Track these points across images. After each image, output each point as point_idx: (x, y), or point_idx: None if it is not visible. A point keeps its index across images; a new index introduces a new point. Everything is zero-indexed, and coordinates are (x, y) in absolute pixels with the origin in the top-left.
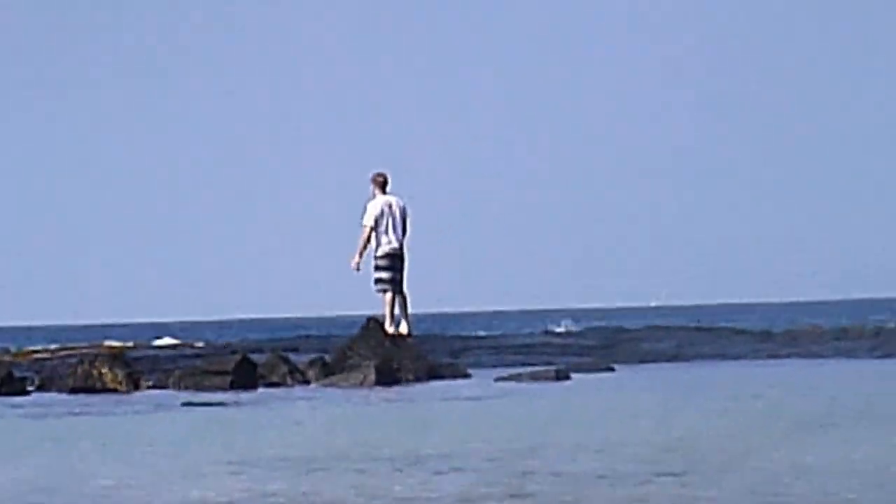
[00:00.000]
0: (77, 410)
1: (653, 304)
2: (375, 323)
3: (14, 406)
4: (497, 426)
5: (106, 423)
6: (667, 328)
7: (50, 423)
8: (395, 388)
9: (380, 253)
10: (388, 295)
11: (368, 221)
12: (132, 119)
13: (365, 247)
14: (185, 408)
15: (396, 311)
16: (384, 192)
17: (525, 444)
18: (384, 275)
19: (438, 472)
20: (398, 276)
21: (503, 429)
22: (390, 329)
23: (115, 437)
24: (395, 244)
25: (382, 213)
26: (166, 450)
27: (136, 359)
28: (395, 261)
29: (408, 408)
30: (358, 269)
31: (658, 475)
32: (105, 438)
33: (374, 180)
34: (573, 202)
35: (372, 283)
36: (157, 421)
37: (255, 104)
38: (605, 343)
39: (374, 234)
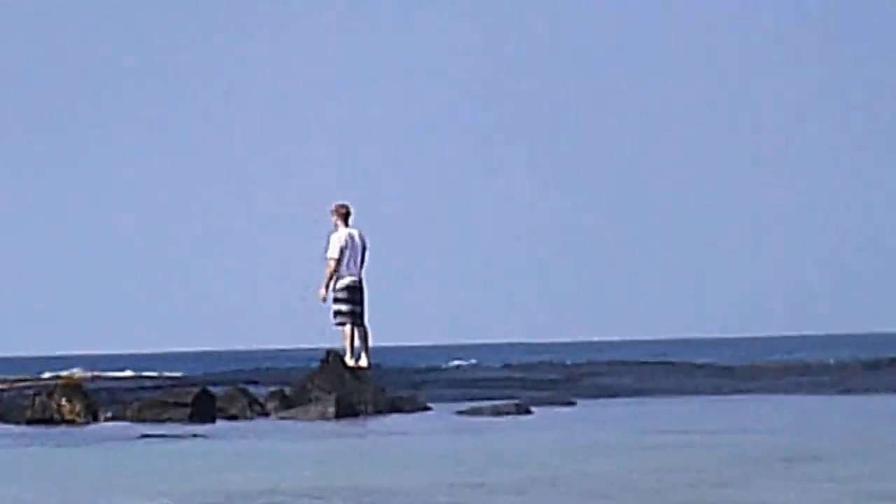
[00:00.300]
0: (30, 442)
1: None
2: (335, 356)
3: None
4: (455, 460)
5: (58, 455)
6: (628, 363)
7: (4, 454)
8: (355, 422)
9: (340, 285)
10: (348, 328)
11: (334, 254)
12: (85, 153)
13: (331, 279)
14: (143, 440)
15: (356, 343)
16: (346, 223)
17: (480, 478)
18: (344, 307)
19: None
20: (358, 309)
21: (460, 463)
22: (350, 362)
23: (65, 471)
24: (356, 277)
25: (346, 244)
26: (118, 482)
27: (95, 390)
28: (355, 293)
29: (365, 441)
30: (324, 301)
31: None
32: (55, 472)
33: (336, 212)
34: (536, 235)
35: (331, 316)
36: (112, 453)
37: (209, 135)
38: (567, 377)
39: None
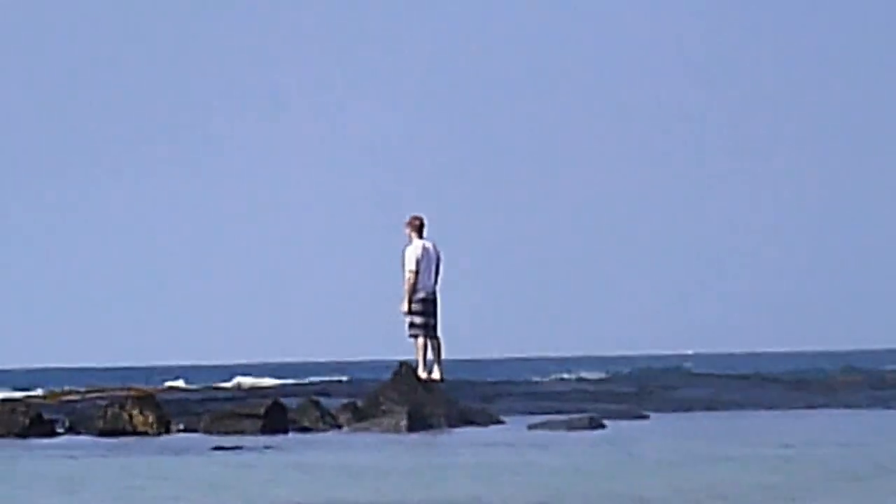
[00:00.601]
0: (102, 453)
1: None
2: (408, 368)
3: (42, 448)
4: (527, 475)
5: (130, 467)
6: (701, 375)
7: (75, 465)
8: (428, 435)
9: (414, 298)
10: (421, 340)
11: (412, 266)
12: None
13: (412, 291)
14: (214, 452)
15: (429, 355)
16: (420, 235)
17: (553, 493)
18: (418, 320)
19: None
20: (432, 321)
21: (533, 477)
22: (423, 374)
23: (137, 483)
24: (430, 289)
25: (422, 257)
26: (188, 494)
27: (167, 401)
28: (428, 306)
29: (438, 455)
30: (408, 313)
31: None
32: (126, 484)
33: (410, 224)
34: (606, 247)
35: (405, 328)
36: (184, 465)
37: (286, 137)
38: (640, 390)
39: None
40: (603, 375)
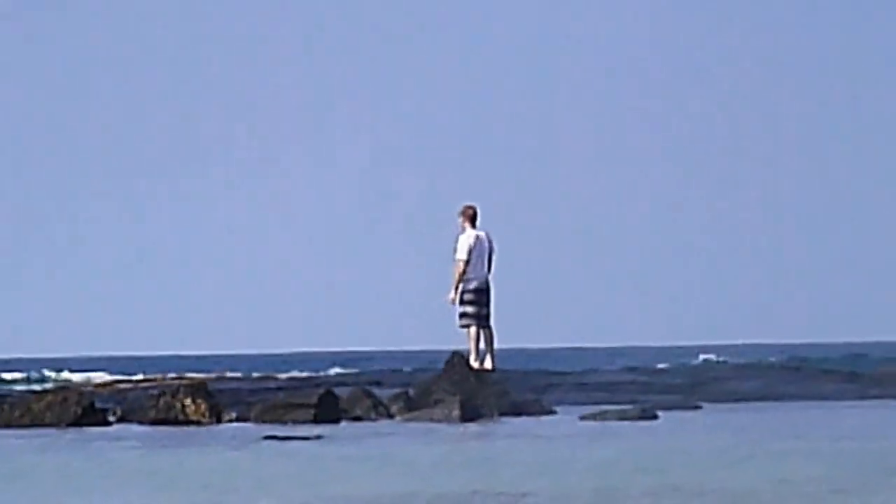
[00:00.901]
0: (155, 443)
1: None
2: (460, 358)
3: (94, 438)
4: (580, 466)
5: (183, 456)
6: (754, 367)
7: (126, 456)
8: (479, 425)
9: (467, 287)
10: (474, 329)
11: (462, 255)
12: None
13: (460, 280)
14: (266, 441)
15: (482, 345)
16: (473, 225)
17: (607, 485)
18: (470, 309)
19: None
20: (484, 311)
21: (586, 468)
22: (475, 364)
23: (190, 472)
24: (482, 279)
25: (474, 246)
26: (242, 483)
27: (219, 391)
28: (481, 295)
29: (490, 445)
30: (454, 304)
31: None
32: (179, 473)
33: (463, 213)
34: (659, 237)
35: (457, 318)
36: (235, 455)
37: (330, 125)
38: (692, 381)
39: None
40: (656, 366)
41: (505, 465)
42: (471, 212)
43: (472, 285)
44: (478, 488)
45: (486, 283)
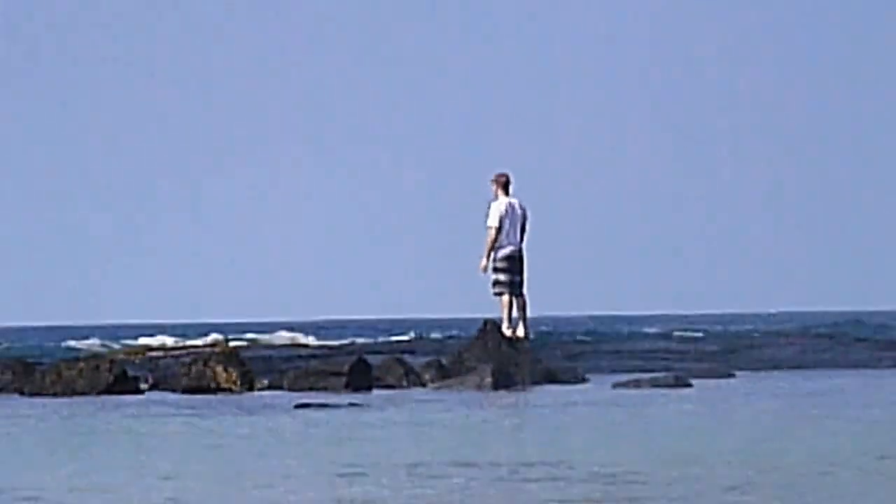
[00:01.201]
0: (188, 411)
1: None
2: (493, 325)
3: (127, 405)
4: (613, 434)
5: (216, 424)
6: (788, 335)
7: (158, 423)
8: (512, 393)
9: (499, 255)
10: (506, 297)
11: (494, 223)
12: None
13: (492, 248)
14: (298, 409)
15: (514, 313)
16: (507, 192)
17: (639, 452)
18: (503, 277)
19: (546, 479)
20: (517, 279)
21: (619, 436)
22: (507, 332)
23: (223, 440)
24: (515, 246)
25: (506, 213)
26: (274, 450)
27: (251, 358)
28: (514, 263)
29: (522, 413)
30: (485, 271)
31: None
32: (213, 441)
33: (496, 181)
34: (692, 204)
35: (490, 286)
36: (268, 422)
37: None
38: (726, 349)
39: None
40: (690, 334)
41: (534, 434)
42: (503, 179)
43: (505, 253)
44: (509, 456)
45: (519, 250)
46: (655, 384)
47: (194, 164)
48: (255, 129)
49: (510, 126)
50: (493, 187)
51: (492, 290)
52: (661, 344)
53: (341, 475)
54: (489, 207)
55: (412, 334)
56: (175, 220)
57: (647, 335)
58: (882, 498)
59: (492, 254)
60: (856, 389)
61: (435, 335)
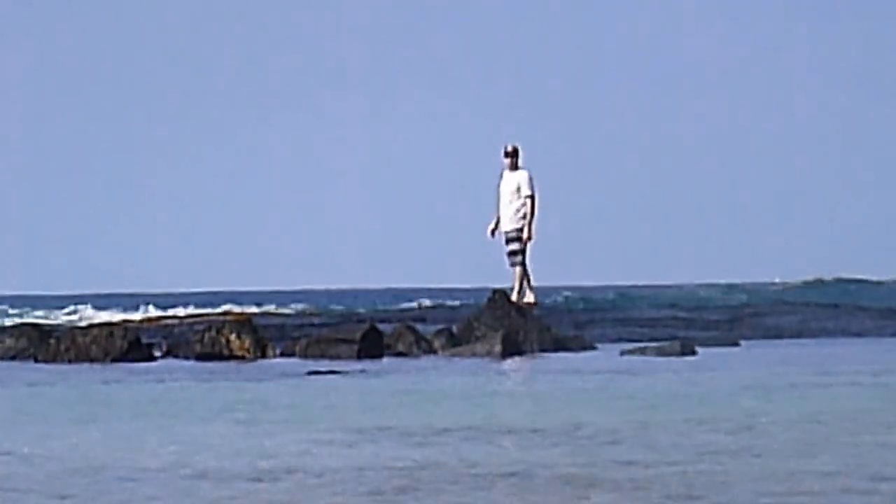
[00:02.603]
0: (201, 378)
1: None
2: (502, 294)
3: (140, 372)
4: (621, 399)
5: (229, 390)
6: (793, 304)
7: (171, 389)
8: (521, 360)
9: (520, 227)
10: (520, 269)
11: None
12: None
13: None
14: (311, 376)
15: (524, 283)
16: (516, 164)
17: (645, 417)
18: (518, 247)
19: (556, 445)
20: (522, 248)
21: (626, 402)
22: (515, 297)
23: (236, 406)
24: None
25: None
26: (287, 416)
27: (264, 326)
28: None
29: (531, 379)
30: (493, 236)
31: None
32: (226, 406)
33: (507, 153)
34: (696, 177)
35: (508, 256)
36: (280, 389)
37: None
38: (731, 317)
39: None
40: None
41: (543, 400)
42: (512, 150)
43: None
44: (517, 421)
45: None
46: (662, 352)
47: (209, 132)
48: (269, 102)
49: (517, 95)
50: (506, 160)
51: (513, 260)
52: (668, 312)
53: (353, 441)
54: (501, 177)
55: (426, 301)
56: (190, 191)
57: (654, 304)
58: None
59: (502, 226)
60: (858, 357)
61: (451, 303)
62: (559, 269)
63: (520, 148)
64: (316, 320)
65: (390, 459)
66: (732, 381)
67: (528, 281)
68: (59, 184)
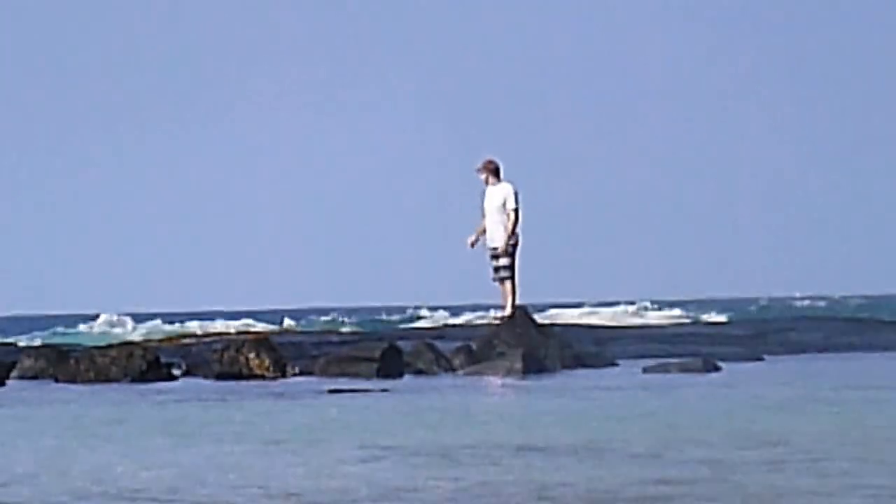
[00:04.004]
0: (221, 397)
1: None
2: (522, 311)
3: (160, 392)
4: (643, 417)
5: (249, 410)
6: (816, 319)
7: (190, 409)
8: (542, 377)
9: (512, 240)
10: (509, 284)
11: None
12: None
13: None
14: (330, 395)
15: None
16: (498, 179)
17: (669, 435)
18: (507, 262)
19: (581, 461)
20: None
21: (648, 419)
22: (509, 312)
23: (257, 425)
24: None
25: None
26: (308, 437)
27: (282, 344)
28: (515, 248)
29: (552, 398)
30: (472, 247)
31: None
32: (246, 427)
33: (485, 168)
34: (712, 190)
35: (494, 271)
36: (299, 408)
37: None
38: (755, 333)
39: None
40: (720, 318)
41: (565, 418)
42: (492, 166)
43: (515, 240)
44: (540, 440)
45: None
46: (684, 368)
47: (218, 146)
48: (273, 114)
49: (513, 113)
50: (483, 175)
51: (500, 275)
52: (691, 329)
53: (373, 459)
54: (482, 195)
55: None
56: (203, 210)
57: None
58: None
59: (486, 242)
60: (883, 372)
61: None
62: (579, 285)
63: (498, 161)
64: (335, 338)
65: (404, 480)
66: (757, 396)
67: (514, 294)
68: (68, 204)
